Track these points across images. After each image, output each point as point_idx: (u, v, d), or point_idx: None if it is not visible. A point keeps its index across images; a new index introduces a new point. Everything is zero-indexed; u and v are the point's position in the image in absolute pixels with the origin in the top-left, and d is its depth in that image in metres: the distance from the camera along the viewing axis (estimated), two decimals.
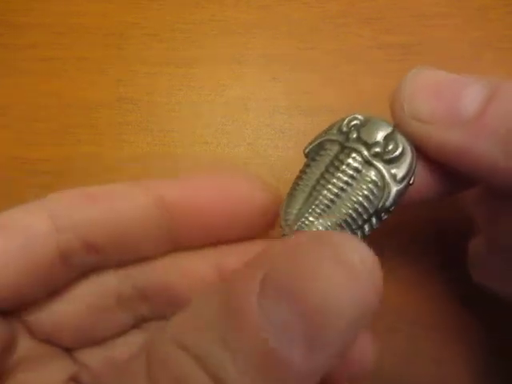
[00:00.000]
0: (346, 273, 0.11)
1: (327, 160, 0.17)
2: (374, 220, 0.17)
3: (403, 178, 0.16)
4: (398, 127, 0.17)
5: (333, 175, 0.17)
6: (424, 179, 0.17)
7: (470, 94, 0.16)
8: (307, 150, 0.18)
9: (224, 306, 0.12)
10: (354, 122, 0.18)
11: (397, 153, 0.16)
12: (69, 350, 0.19)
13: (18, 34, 0.31)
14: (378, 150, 0.17)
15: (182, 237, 0.18)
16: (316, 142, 0.18)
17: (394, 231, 0.25)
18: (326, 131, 0.18)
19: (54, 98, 0.29)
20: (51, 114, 0.29)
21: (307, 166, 0.18)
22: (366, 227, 0.17)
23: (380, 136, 0.17)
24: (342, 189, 0.16)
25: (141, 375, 0.12)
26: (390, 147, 0.17)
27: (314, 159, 0.18)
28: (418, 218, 0.25)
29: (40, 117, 0.29)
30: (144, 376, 0.12)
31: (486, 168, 0.15)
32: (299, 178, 0.18)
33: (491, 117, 0.15)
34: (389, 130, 0.17)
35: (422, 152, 0.17)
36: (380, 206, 0.16)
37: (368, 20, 0.30)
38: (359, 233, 0.17)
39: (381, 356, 0.24)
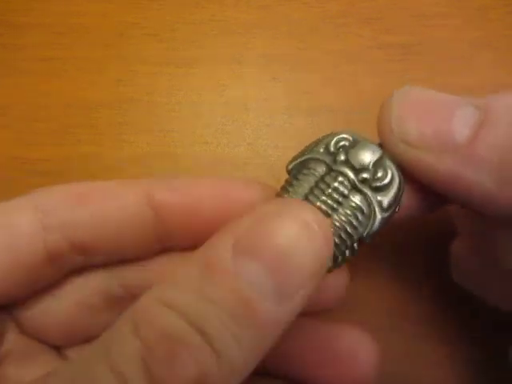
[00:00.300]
0: (305, 232, 0.13)
1: (312, 181, 0.16)
2: (355, 246, 0.16)
3: (389, 206, 0.16)
4: (385, 148, 0.17)
5: (318, 198, 0.16)
6: (409, 200, 0.17)
7: (462, 117, 0.15)
8: (290, 167, 0.17)
9: (202, 267, 0.13)
10: (343, 142, 0.17)
11: (386, 181, 0.16)
12: (58, 348, 0.19)
13: (18, 34, 0.31)
14: (366, 176, 0.16)
15: (172, 238, 0.18)
16: (301, 159, 0.17)
17: (391, 229, 0.25)
18: (312, 148, 0.17)
19: (53, 97, 0.29)
20: (51, 114, 0.29)
21: (289, 183, 0.17)
22: (348, 252, 0.16)
23: (369, 160, 0.16)
24: (326, 213, 0.16)
25: (128, 335, 0.13)
26: (379, 175, 0.16)
27: (296, 177, 0.17)
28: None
29: (40, 117, 0.29)
30: (132, 334, 0.12)
31: (478, 196, 0.15)
32: (279, 195, 0.17)
33: (483, 143, 0.15)
34: (378, 154, 0.16)
35: (409, 174, 0.16)
36: (365, 233, 0.16)
37: (368, 20, 0.30)
38: (339, 258, 0.16)
39: (381, 356, 0.24)
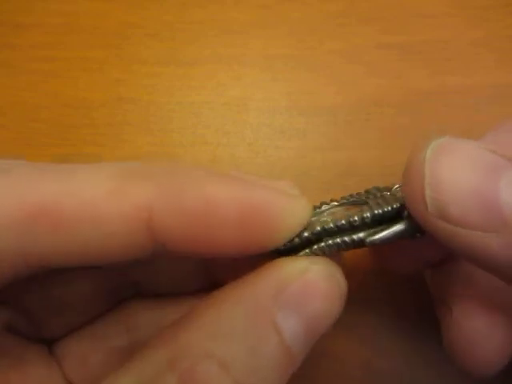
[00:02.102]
0: (339, 295, 0.15)
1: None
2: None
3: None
4: (413, 219, 0.15)
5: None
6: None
7: (509, 185, 0.13)
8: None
9: (250, 319, 0.14)
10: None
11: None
12: (48, 342, 0.18)
13: (18, 34, 0.31)
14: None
15: (170, 253, 0.15)
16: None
17: None
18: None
19: (54, 98, 0.29)
20: (51, 114, 0.29)
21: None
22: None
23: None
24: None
25: None
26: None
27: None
28: None
29: (40, 117, 0.29)
30: None
31: None
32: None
33: None
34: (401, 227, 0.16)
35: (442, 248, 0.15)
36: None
37: (368, 20, 0.30)
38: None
39: (380, 356, 0.24)
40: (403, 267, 0.21)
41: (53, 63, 0.30)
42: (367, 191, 0.18)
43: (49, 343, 0.19)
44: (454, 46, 0.29)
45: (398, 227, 0.16)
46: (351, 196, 0.18)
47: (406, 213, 0.15)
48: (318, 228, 0.16)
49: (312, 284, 0.14)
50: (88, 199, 0.13)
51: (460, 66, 0.29)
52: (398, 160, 0.27)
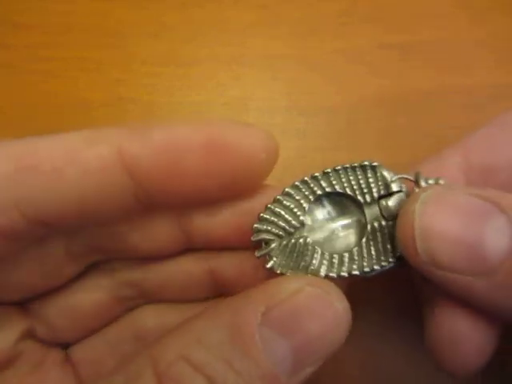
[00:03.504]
0: (333, 319, 0.14)
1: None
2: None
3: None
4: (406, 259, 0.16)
5: None
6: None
7: (495, 233, 0.14)
8: None
9: (229, 330, 0.14)
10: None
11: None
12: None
13: (18, 34, 0.31)
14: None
15: (155, 197, 0.16)
16: None
17: None
18: None
19: (54, 97, 0.29)
20: (51, 114, 0.29)
21: None
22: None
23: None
24: None
25: None
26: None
27: None
28: None
29: (40, 117, 0.29)
30: None
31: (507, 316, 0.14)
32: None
33: None
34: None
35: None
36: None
37: (368, 20, 0.30)
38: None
39: (381, 356, 0.24)
40: None
41: (52, 63, 0.30)
42: (360, 187, 0.18)
43: (64, 348, 0.19)
44: (454, 46, 0.29)
45: (387, 267, 0.16)
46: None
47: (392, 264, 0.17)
48: (322, 274, 0.16)
49: (302, 306, 0.14)
50: (68, 147, 0.14)
51: (460, 66, 0.29)
52: (398, 160, 0.27)
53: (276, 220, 0.17)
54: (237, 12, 0.31)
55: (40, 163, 0.14)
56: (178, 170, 0.15)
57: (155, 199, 0.16)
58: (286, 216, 0.17)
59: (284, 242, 0.17)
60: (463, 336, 0.17)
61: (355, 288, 0.23)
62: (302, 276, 0.16)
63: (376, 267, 0.16)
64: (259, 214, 0.17)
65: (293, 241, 0.17)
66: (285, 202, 0.17)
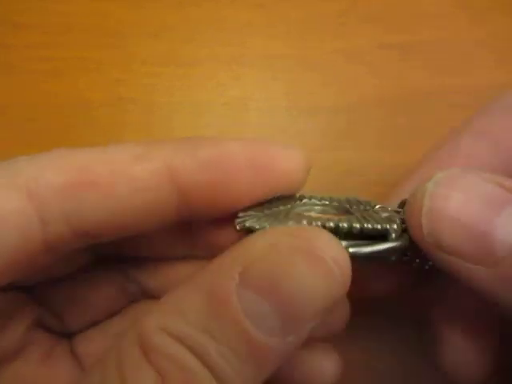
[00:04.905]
0: (318, 271, 0.13)
1: None
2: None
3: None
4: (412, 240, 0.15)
5: None
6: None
7: (507, 225, 0.13)
8: None
9: (206, 296, 0.13)
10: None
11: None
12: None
13: (18, 34, 0.31)
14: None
15: (195, 213, 0.16)
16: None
17: None
18: None
19: (53, 97, 0.29)
20: (51, 114, 0.29)
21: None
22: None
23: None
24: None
25: (141, 361, 0.12)
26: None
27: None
28: None
29: (40, 117, 0.29)
30: (145, 362, 0.12)
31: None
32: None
33: None
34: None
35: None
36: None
37: (368, 20, 0.30)
38: None
39: (380, 356, 0.24)
40: (376, 292, 0.20)
41: (52, 63, 0.30)
42: (348, 200, 0.18)
43: (68, 338, 0.19)
44: (454, 46, 0.29)
45: (385, 245, 0.15)
46: (331, 199, 0.18)
47: (393, 236, 0.15)
48: (305, 222, 0.14)
49: (281, 261, 0.13)
50: (119, 163, 0.15)
51: (460, 66, 0.29)
52: (398, 160, 0.27)
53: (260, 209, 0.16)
54: (234, 11, 0.31)
55: (92, 179, 0.14)
56: (224, 186, 0.15)
57: (195, 213, 0.16)
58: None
59: (265, 212, 0.16)
60: (463, 358, 0.17)
61: (354, 289, 0.22)
62: (281, 227, 0.14)
63: (377, 226, 0.15)
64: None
65: (274, 209, 0.16)
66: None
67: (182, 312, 0.13)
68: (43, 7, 0.31)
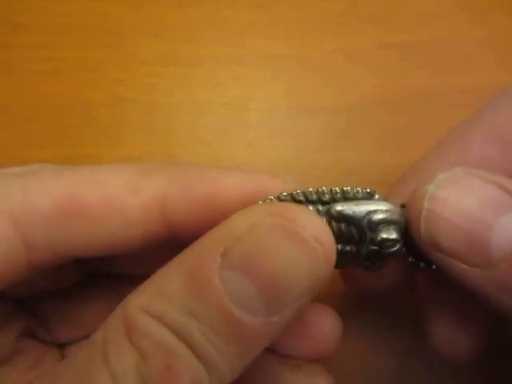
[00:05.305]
0: (300, 250, 0.12)
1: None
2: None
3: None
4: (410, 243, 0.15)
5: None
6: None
7: (505, 229, 0.13)
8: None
9: (188, 277, 0.13)
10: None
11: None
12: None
13: (18, 34, 0.31)
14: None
15: (180, 238, 0.16)
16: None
17: None
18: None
19: (53, 97, 0.29)
20: (51, 114, 0.29)
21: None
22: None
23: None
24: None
25: (124, 342, 0.12)
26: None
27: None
28: None
29: (40, 117, 0.29)
30: (128, 343, 0.12)
31: (504, 312, 0.14)
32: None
33: None
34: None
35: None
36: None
37: (368, 20, 0.30)
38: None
39: (380, 356, 0.24)
40: (371, 287, 0.20)
41: (52, 63, 0.30)
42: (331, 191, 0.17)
43: (60, 347, 0.19)
44: (454, 46, 0.29)
45: (373, 205, 0.15)
46: (316, 193, 0.18)
47: (376, 196, 0.15)
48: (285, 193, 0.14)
49: (263, 240, 0.12)
50: (110, 192, 0.14)
51: (460, 66, 0.29)
52: (398, 160, 0.27)
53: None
54: (234, 11, 0.31)
55: (81, 207, 0.14)
56: (215, 221, 0.15)
57: (182, 239, 0.16)
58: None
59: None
60: (454, 339, 0.17)
61: (352, 287, 0.23)
62: (262, 204, 0.14)
63: (357, 189, 0.15)
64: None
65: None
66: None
67: (165, 293, 0.13)
68: (43, 7, 0.31)
